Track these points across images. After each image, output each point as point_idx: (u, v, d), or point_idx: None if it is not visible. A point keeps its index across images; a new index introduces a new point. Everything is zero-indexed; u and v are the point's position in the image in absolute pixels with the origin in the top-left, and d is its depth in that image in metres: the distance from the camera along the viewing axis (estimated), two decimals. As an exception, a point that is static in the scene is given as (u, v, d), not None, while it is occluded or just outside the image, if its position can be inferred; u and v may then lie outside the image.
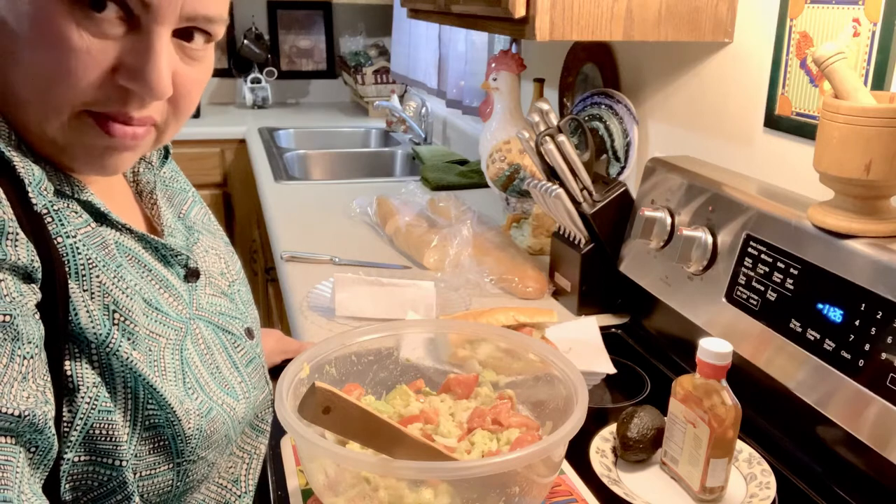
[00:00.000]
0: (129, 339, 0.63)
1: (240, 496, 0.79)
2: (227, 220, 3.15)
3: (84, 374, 0.61)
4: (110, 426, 0.62)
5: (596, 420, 0.97)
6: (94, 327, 0.61)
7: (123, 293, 0.65)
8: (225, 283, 0.82)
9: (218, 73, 3.58)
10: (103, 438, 0.62)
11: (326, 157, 2.84)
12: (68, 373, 0.60)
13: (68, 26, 0.56)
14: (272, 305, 2.29)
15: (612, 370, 1.13)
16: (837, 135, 0.84)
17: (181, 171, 0.88)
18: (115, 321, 0.63)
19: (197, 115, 3.21)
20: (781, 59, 1.12)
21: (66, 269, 0.61)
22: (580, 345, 1.18)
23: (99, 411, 0.62)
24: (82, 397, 0.61)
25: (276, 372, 0.81)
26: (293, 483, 0.88)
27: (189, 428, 0.67)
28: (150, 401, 0.64)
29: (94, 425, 0.61)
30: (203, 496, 0.75)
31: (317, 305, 1.35)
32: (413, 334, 0.98)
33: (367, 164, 2.87)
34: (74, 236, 0.63)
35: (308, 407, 0.66)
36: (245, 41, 3.40)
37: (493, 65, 1.65)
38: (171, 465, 0.67)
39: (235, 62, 3.51)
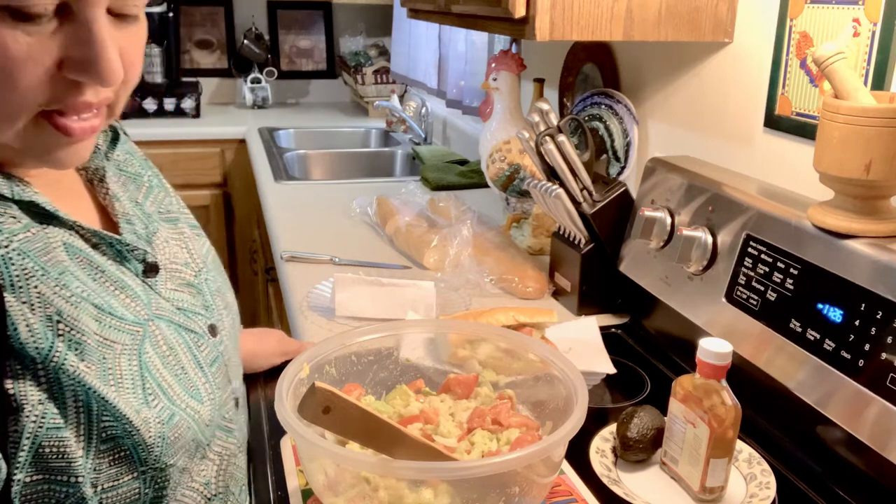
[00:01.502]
0: (76, 351, 0.60)
1: (210, 499, 0.75)
2: (227, 220, 3.15)
3: (27, 391, 0.58)
4: (61, 443, 0.59)
5: (596, 420, 0.97)
6: (35, 342, 0.58)
7: (67, 302, 0.61)
8: (191, 274, 0.78)
9: (218, 73, 3.58)
10: (55, 456, 0.59)
11: (326, 157, 2.84)
12: (10, 391, 0.57)
13: (1, 34, 0.54)
14: (272, 305, 2.29)
15: (612, 370, 1.13)
16: (837, 135, 0.84)
17: (136, 153, 0.82)
18: (60, 332, 0.59)
19: (197, 115, 3.21)
20: (781, 59, 1.12)
21: (1, 281, 0.58)
22: (580, 345, 1.18)
23: (47, 429, 0.59)
24: (27, 416, 0.58)
25: (277, 373, 0.81)
26: (293, 483, 0.88)
27: (150, 437, 0.64)
28: (105, 413, 0.61)
29: (44, 444, 0.59)
30: (178, 502, 0.72)
31: (317, 305, 1.35)
32: (413, 334, 0.98)
33: (367, 164, 2.87)
34: (7, 246, 0.59)
35: (308, 407, 0.66)
36: (245, 41, 3.40)
37: (493, 65, 1.65)
38: (135, 475, 0.65)
39: (235, 62, 3.51)
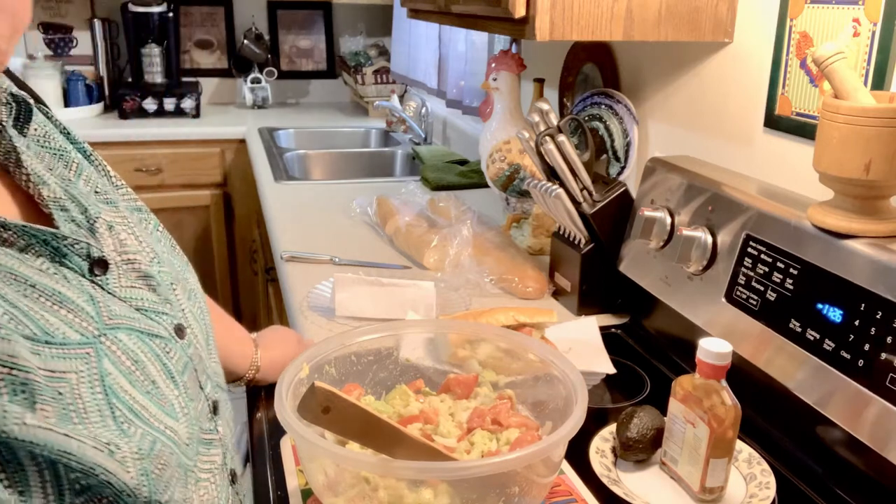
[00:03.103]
0: (22, 396, 0.47)
1: None
2: (227, 220, 3.15)
3: None
4: None
5: (596, 420, 0.97)
6: None
7: None
8: (144, 264, 0.65)
9: (218, 73, 3.58)
10: None
11: (326, 157, 2.84)
12: None
13: None
14: (272, 305, 2.29)
15: (611, 370, 1.13)
16: (837, 135, 0.84)
17: (58, 125, 0.68)
18: None
19: (197, 115, 3.21)
20: (781, 59, 1.12)
21: None
22: (580, 345, 1.18)
23: None
24: None
25: None
26: (293, 483, 0.88)
27: (131, 478, 0.53)
28: (71, 465, 0.49)
29: None
30: None
31: (317, 305, 1.35)
32: (413, 334, 0.98)
33: (367, 164, 2.87)
34: None
35: (308, 407, 0.66)
36: (245, 41, 3.40)
37: (493, 65, 1.65)
38: None
39: (235, 62, 3.51)
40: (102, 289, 0.59)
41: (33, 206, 0.59)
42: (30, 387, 0.48)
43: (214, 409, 0.70)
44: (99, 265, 0.59)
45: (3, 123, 0.59)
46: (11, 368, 0.47)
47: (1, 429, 0.46)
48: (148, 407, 0.57)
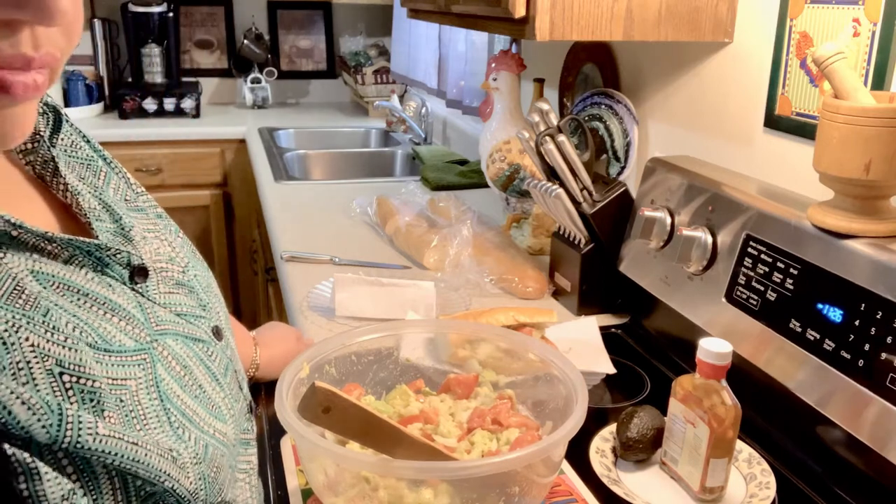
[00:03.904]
0: (91, 405, 0.48)
1: None
2: (227, 220, 3.15)
3: (47, 490, 0.45)
4: None
5: (596, 420, 0.97)
6: (38, 418, 0.45)
7: (64, 347, 0.48)
8: (178, 270, 0.66)
9: (218, 73, 3.59)
10: None
11: (326, 157, 2.84)
12: (25, 494, 0.45)
13: None
14: (272, 305, 2.29)
15: (611, 370, 1.13)
16: (837, 135, 0.84)
17: (83, 133, 0.68)
18: (67, 387, 0.47)
19: (197, 115, 3.21)
20: (781, 59, 1.12)
21: None
22: (580, 345, 1.18)
23: None
24: None
25: None
26: (293, 483, 0.88)
27: (190, 483, 0.54)
28: (139, 474, 0.50)
29: None
30: None
31: (317, 305, 1.35)
32: (413, 334, 0.98)
33: (367, 164, 2.87)
34: None
35: (308, 407, 0.66)
36: (245, 41, 3.40)
37: (493, 65, 1.65)
38: None
39: (235, 62, 3.51)
40: (143, 296, 0.59)
41: (70, 215, 0.60)
42: (97, 396, 0.49)
43: (251, 409, 0.73)
44: (140, 273, 0.59)
45: (41, 133, 0.59)
46: (80, 378, 0.48)
47: (76, 440, 0.46)
48: (198, 411, 0.58)
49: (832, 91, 0.86)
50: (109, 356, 0.52)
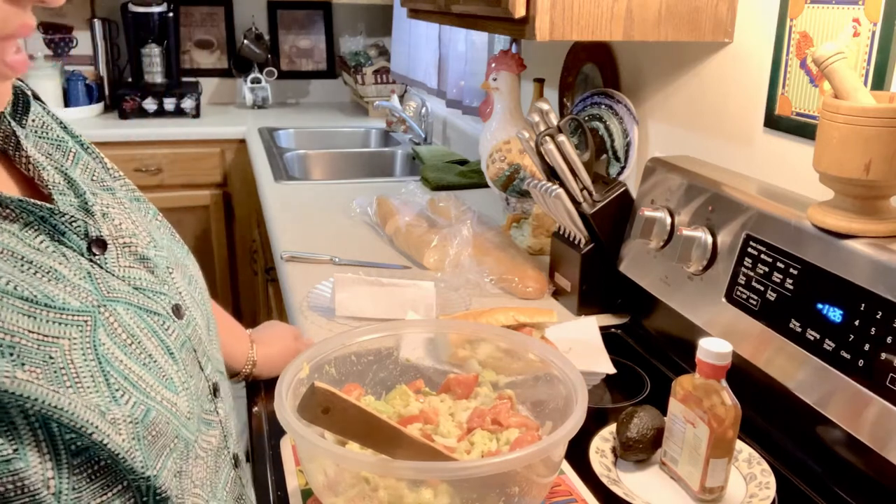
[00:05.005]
0: (10, 357, 0.49)
1: (207, 501, 0.68)
2: (227, 220, 3.15)
3: None
4: (17, 477, 0.49)
5: (596, 420, 0.97)
6: None
7: None
8: (142, 244, 0.67)
9: (218, 73, 3.59)
10: (15, 493, 0.49)
11: (326, 157, 2.84)
12: None
13: None
14: (272, 305, 2.29)
15: (611, 370, 1.13)
16: (837, 135, 0.84)
17: (56, 119, 0.69)
18: None
19: (197, 115, 3.21)
20: (781, 59, 1.12)
21: None
22: (580, 345, 1.18)
23: None
24: None
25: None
26: (293, 483, 0.88)
27: (123, 440, 0.54)
28: (65, 424, 0.51)
29: None
30: None
31: (317, 305, 1.35)
32: (413, 334, 0.98)
33: (367, 164, 2.87)
34: None
35: (307, 407, 0.66)
36: (245, 41, 3.40)
37: (493, 65, 1.65)
38: (123, 486, 0.55)
39: (235, 62, 3.51)
40: (101, 267, 0.60)
41: (34, 189, 0.60)
42: (16, 349, 0.50)
43: (215, 392, 0.72)
44: (97, 245, 0.60)
45: (3, 111, 0.60)
46: None
47: None
48: (144, 377, 0.58)
49: (832, 91, 0.86)
50: (48, 311, 0.53)
